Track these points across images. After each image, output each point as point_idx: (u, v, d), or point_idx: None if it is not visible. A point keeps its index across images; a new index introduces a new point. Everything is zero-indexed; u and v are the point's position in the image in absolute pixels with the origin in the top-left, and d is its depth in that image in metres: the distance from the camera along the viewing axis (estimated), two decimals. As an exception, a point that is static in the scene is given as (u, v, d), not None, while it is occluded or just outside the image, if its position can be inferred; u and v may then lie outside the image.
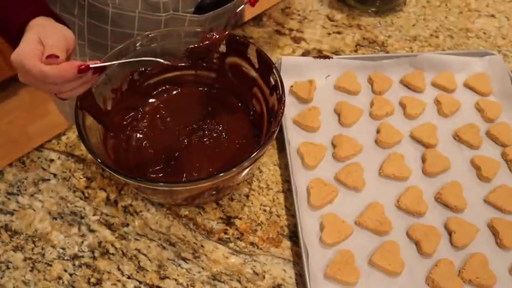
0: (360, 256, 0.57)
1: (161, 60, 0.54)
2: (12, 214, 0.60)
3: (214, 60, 0.64)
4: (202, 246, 0.59)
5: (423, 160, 0.67)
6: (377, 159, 0.67)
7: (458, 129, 0.70)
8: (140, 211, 0.61)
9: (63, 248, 0.58)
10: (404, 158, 0.66)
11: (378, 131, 0.70)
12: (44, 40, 0.49)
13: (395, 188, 0.64)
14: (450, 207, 0.62)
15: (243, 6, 0.63)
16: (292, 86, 0.74)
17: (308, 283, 0.53)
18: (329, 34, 0.87)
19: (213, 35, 0.58)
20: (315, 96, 0.74)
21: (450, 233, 0.60)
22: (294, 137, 0.68)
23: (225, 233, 0.60)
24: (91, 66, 0.48)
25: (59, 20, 0.55)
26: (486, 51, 0.81)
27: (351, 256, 0.56)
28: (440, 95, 0.75)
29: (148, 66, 0.63)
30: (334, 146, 0.68)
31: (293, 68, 0.75)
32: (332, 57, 0.77)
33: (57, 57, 0.47)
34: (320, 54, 0.81)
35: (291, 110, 0.71)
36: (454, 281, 0.55)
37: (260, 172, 0.66)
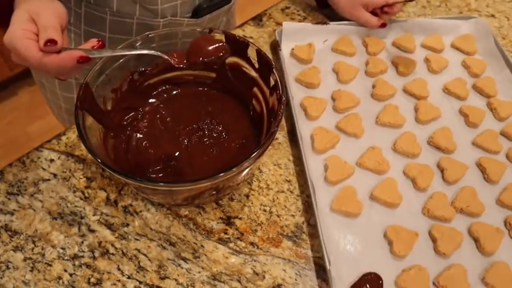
0: (362, 192, 0.63)
1: (162, 55, 0.55)
2: (12, 214, 0.60)
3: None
4: (202, 246, 0.59)
5: (416, 110, 0.74)
6: (373, 110, 0.73)
7: (447, 83, 0.77)
8: (140, 211, 0.61)
9: (63, 248, 0.58)
10: (398, 109, 0.73)
11: (373, 86, 0.76)
12: (36, 18, 0.46)
13: (391, 134, 0.70)
14: (441, 149, 0.69)
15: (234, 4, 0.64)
16: (293, 49, 0.80)
17: (317, 216, 0.58)
18: (329, 34, 0.87)
19: (223, 46, 0.59)
20: (314, 57, 0.80)
21: (442, 171, 0.66)
22: (296, 93, 0.74)
23: (225, 233, 0.60)
24: (91, 57, 0.48)
25: None
26: (471, 16, 0.87)
27: (353, 191, 0.62)
28: (429, 55, 0.82)
29: (148, 66, 0.63)
30: (334, 99, 0.74)
31: (293, 33, 0.81)
32: (329, 23, 0.83)
33: (56, 42, 0.45)
34: (318, 21, 0.85)
35: (292, 70, 0.77)
36: (447, 210, 0.61)
37: (260, 172, 0.66)
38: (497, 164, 0.66)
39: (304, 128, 0.69)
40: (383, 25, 0.81)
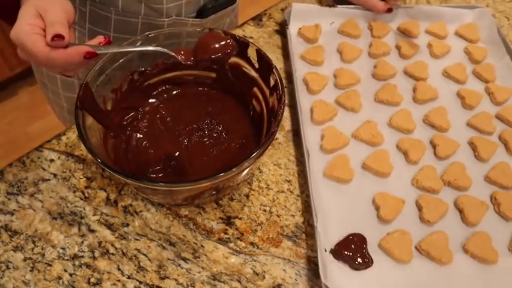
0: (355, 161, 0.66)
1: (169, 52, 0.54)
2: (12, 214, 0.60)
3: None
4: (202, 246, 0.59)
5: (414, 90, 0.76)
6: (373, 88, 0.76)
7: (447, 67, 0.79)
8: (140, 211, 0.61)
9: (63, 248, 0.58)
10: (397, 88, 0.75)
11: (375, 67, 0.79)
12: (43, 14, 0.47)
13: (388, 111, 0.73)
14: (435, 127, 0.71)
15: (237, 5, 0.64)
16: (300, 29, 0.83)
17: (309, 179, 0.61)
18: (329, 34, 0.87)
19: (229, 43, 0.58)
20: (320, 38, 0.83)
21: (434, 146, 0.68)
22: (300, 68, 0.77)
23: (225, 233, 0.60)
24: (98, 52, 0.48)
25: None
26: (476, 5, 0.89)
27: (346, 160, 0.65)
28: (432, 40, 0.84)
29: (148, 66, 0.63)
30: (335, 76, 0.77)
31: (302, 14, 0.84)
32: (337, 6, 0.86)
33: (63, 37, 0.46)
34: (326, 4, 0.88)
35: (298, 48, 0.81)
36: (435, 182, 0.63)
37: (260, 172, 0.66)
38: (488, 144, 0.68)
39: (305, 101, 0.72)
40: (389, 10, 0.83)
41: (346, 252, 0.56)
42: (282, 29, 0.86)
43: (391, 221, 0.60)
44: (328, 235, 0.58)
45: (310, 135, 0.68)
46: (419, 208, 0.62)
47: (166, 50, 0.55)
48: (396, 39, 0.84)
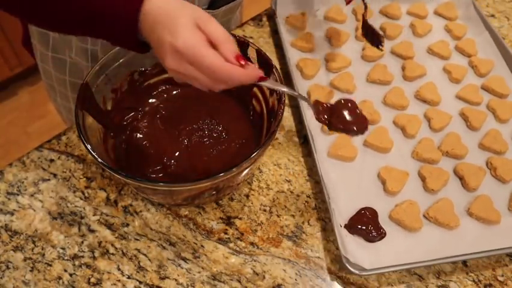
0: (356, 139, 0.69)
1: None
2: (12, 214, 0.60)
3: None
4: (202, 246, 0.59)
5: (403, 69, 0.79)
6: (364, 70, 0.79)
7: (431, 44, 0.83)
8: (140, 211, 0.61)
9: (63, 248, 0.58)
10: (387, 67, 0.78)
11: (363, 49, 0.82)
12: (203, 26, 0.43)
13: (381, 90, 0.76)
14: (427, 102, 0.74)
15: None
16: (288, 17, 0.86)
17: (316, 160, 0.63)
18: (329, 34, 0.87)
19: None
20: (307, 25, 0.86)
21: (429, 120, 0.72)
22: (292, 55, 0.80)
23: (225, 233, 0.60)
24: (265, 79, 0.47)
25: None
26: None
27: (348, 138, 0.68)
28: (414, 20, 0.88)
29: (148, 66, 0.63)
30: (327, 61, 0.80)
31: (287, 3, 0.87)
32: None
33: (246, 62, 0.43)
34: None
35: (288, 36, 0.84)
36: (434, 153, 0.67)
37: (260, 172, 0.66)
38: (478, 113, 0.72)
39: (301, 87, 0.75)
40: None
41: (360, 226, 0.59)
42: (271, 19, 0.87)
43: (397, 193, 0.63)
44: (341, 211, 0.61)
45: (311, 118, 0.69)
46: (422, 179, 0.65)
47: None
48: (380, 21, 0.88)
